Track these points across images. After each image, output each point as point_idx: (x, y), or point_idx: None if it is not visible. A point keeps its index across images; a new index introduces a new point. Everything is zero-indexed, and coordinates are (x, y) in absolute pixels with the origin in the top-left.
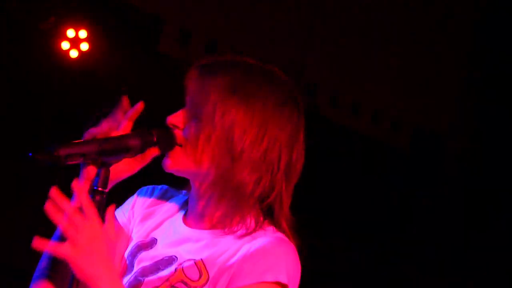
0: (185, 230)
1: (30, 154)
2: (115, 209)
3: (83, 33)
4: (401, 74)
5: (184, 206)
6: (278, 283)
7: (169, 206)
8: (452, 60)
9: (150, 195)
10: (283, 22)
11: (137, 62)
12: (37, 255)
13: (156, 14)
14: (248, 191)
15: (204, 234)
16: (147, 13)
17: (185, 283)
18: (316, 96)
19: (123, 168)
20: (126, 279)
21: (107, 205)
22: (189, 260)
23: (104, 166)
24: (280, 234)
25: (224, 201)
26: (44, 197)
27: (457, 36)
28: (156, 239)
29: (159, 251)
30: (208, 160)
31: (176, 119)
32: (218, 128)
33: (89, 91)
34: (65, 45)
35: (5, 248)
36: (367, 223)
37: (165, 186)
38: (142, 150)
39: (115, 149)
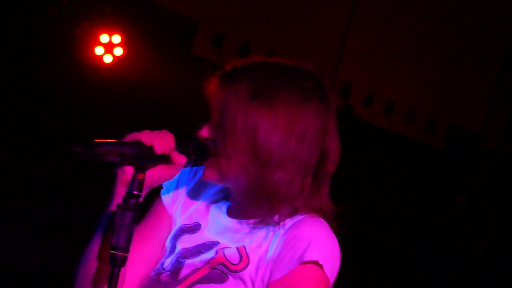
0: (227, 220)
1: (70, 146)
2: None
3: (116, 38)
4: (435, 73)
5: (224, 196)
6: (314, 263)
7: (214, 191)
8: (488, 58)
9: (193, 177)
10: (318, 22)
11: (171, 65)
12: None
13: (189, 16)
14: (281, 193)
15: (246, 225)
16: (181, 15)
17: (225, 266)
18: (349, 95)
19: (158, 175)
20: (168, 261)
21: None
22: (230, 246)
23: (140, 169)
24: (315, 218)
25: (259, 204)
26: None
27: (493, 34)
28: (200, 225)
29: (202, 236)
30: (238, 169)
31: (207, 131)
32: (242, 137)
33: (124, 95)
34: (99, 50)
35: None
36: (402, 222)
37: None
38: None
39: (152, 154)
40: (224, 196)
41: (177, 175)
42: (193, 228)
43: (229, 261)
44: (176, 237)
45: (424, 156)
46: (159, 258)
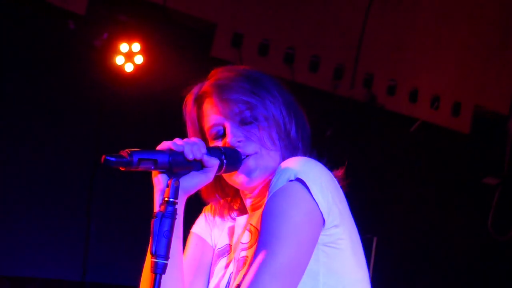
0: (241, 220)
1: (105, 156)
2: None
3: (136, 46)
4: (457, 56)
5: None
6: (292, 180)
7: (229, 215)
8: (511, 38)
9: (215, 217)
10: (335, 15)
11: (191, 69)
12: None
13: (206, 19)
14: (301, 146)
15: (260, 210)
16: (198, 19)
17: (244, 249)
18: (372, 86)
19: (194, 181)
20: (211, 285)
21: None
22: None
23: (174, 177)
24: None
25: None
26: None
27: None
28: (230, 245)
29: (231, 257)
30: (274, 146)
31: (235, 136)
32: (273, 119)
33: (148, 103)
34: (119, 60)
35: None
36: (433, 208)
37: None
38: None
39: (185, 161)
40: (242, 212)
41: (203, 212)
42: (225, 251)
43: (244, 243)
44: (214, 264)
45: (451, 141)
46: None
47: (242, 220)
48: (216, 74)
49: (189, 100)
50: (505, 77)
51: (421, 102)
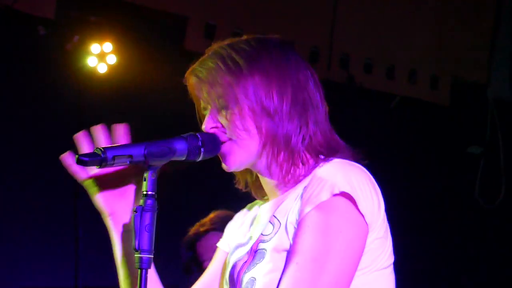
0: (263, 209)
1: (77, 156)
2: None
3: (108, 46)
4: (431, 29)
5: (265, 200)
6: (340, 194)
7: (255, 208)
8: (481, 5)
9: (241, 213)
10: (307, 1)
11: (166, 64)
12: None
13: (177, 13)
14: (295, 140)
15: (277, 199)
16: (168, 13)
17: (263, 241)
18: (349, 66)
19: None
20: (226, 273)
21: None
22: (266, 225)
23: (151, 169)
24: (333, 160)
25: (280, 158)
26: None
27: None
28: (251, 236)
29: (250, 244)
30: (255, 132)
31: (208, 123)
32: (246, 102)
33: (123, 102)
34: (92, 61)
35: None
36: (419, 181)
37: (250, 203)
38: (188, 153)
39: (161, 152)
40: (261, 204)
41: (228, 225)
42: (245, 242)
43: (264, 235)
44: (231, 253)
45: (432, 114)
46: None
47: (265, 208)
48: (207, 52)
49: (186, 77)
50: (480, 46)
51: (398, 78)
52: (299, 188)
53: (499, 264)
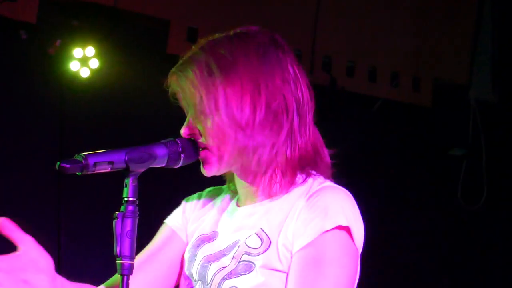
0: (239, 211)
1: (58, 163)
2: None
3: (90, 51)
4: (412, 30)
5: (234, 194)
6: (338, 227)
7: (223, 200)
8: (462, 5)
9: (198, 199)
10: (289, 5)
11: (149, 68)
12: None
13: (159, 17)
14: (263, 152)
15: (257, 207)
16: (150, 17)
17: (249, 253)
18: (331, 69)
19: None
20: (194, 270)
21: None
22: (249, 234)
23: (132, 175)
24: (327, 182)
25: (255, 170)
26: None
27: None
28: (217, 232)
29: (222, 241)
30: (227, 144)
31: (187, 128)
32: (217, 114)
33: (106, 107)
34: (74, 65)
35: None
36: (402, 183)
37: (210, 188)
38: (168, 159)
39: (142, 158)
40: (231, 198)
41: (182, 204)
42: (211, 236)
43: (251, 248)
44: (196, 246)
45: (415, 116)
46: (168, 276)
47: (243, 211)
48: (188, 54)
49: (168, 80)
50: (461, 47)
51: (380, 81)
52: (286, 204)
53: (482, 265)
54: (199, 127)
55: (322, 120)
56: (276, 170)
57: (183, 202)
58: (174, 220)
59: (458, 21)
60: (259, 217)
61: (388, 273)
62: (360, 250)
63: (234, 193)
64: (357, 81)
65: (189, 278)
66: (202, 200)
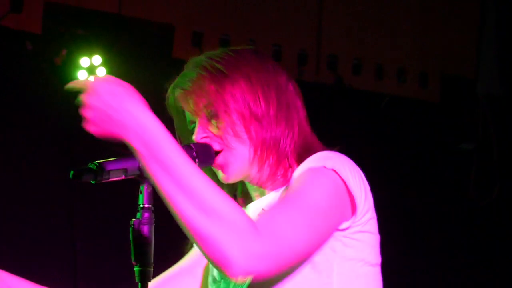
0: (252, 207)
1: (72, 172)
2: None
3: (97, 59)
4: (417, 26)
5: (247, 199)
6: (329, 168)
7: None
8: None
9: None
10: (292, 5)
11: (155, 73)
12: None
13: (164, 22)
14: (283, 143)
15: (263, 200)
16: (155, 23)
17: None
18: (337, 68)
19: None
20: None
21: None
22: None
23: (146, 181)
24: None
25: (270, 161)
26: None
27: None
28: None
29: None
30: (245, 137)
31: (199, 133)
32: (235, 107)
33: None
34: (82, 74)
35: None
36: (413, 180)
37: None
38: None
39: None
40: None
41: None
42: None
43: None
44: None
45: (423, 111)
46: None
47: (252, 206)
48: (186, 67)
49: (169, 93)
50: (467, 41)
51: (387, 77)
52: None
53: (495, 259)
54: (213, 130)
55: (330, 119)
56: (291, 162)
57: None
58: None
59: (462, 14)
60: (263, 204)
61: (396, 270)
62: (358, 201)
63: (246, 198)
64: (363, 79)
65: (214, 282)
66: None
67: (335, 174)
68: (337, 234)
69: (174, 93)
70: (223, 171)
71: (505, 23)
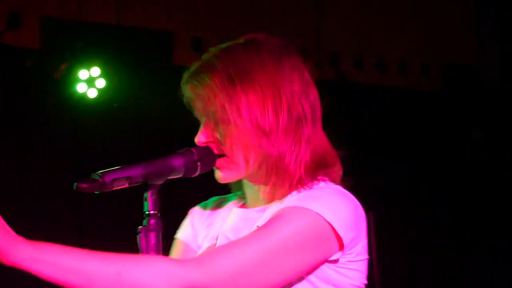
0: (242, 213)
1: (76, 183)
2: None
3: (96, 71)
4: (416, 17)
5: (239, 200)
6: (319, 214)
7: (227, 207)
8: None
9: (204, 209)
10: (291, 4)
11: (156, 81)
12: None
13: (162, 30)
14: (288, 159)
15: (261, 211)
16: (153, 31)
17: None
18: (338, 63)
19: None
20: None
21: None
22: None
23: (151, 188)
24: (335, 185)
25: (273, 176)
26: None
27: None
28: (219, 235)
29: (220, 243)
30: (251, 151)
31: (202, 136)
32: (240, 121)
33: (117, 124)
34: (81, 87)
35: None
36: (423, 171)
37: (215, 197)
38: (185, 169)
39: (159, 170)
40: (235, 204)
41: (190, 216)
42: (214, 242)
43: None
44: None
45: (427, 102)
46: None
47: (244, 213)
48: (202, 62)
49: (183, 82)
50: (467, 29)
51: (389, 70)
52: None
53: (506, 248)
54: (218, 135)
55: (335, 116)
56: (296, 177)
57: (190, 214)
58: (185, 233)
59: (460, 1)
60: (258, 218)
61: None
62: (348, 243)
63: (241, 198)
64: (365, 73)
65: None
66: (208, 210)
67: (317, 216)
68: (328, 265)
69: (185, 90)
70: (221, 172)
71: (503, 8)
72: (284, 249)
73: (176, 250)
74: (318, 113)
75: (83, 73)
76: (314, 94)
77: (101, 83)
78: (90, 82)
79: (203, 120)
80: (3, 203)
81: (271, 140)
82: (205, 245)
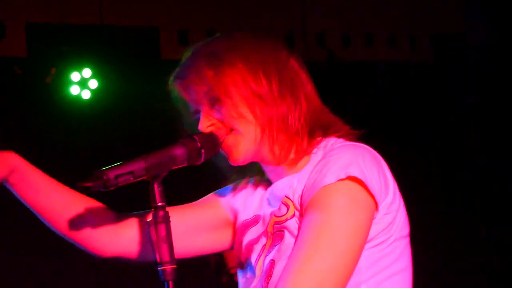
0: (272, 189)
1: (79, 182)
2: None
3: (87, 72)
4: None
5: (263, 179)
6: (344, 179)
7: (257, 185)
8: None
9: (241, 185)
10: None
11: (146, 77)
12: None
13: (148, 26)
14: (292, 118)
15: (283, 181)
16: (139, 28)
17: (278, 222)
18: (326, 42)
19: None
20: (242, 256)
21: None
22: (277, 205)
23: (155, 180)
24: (342, 141)
25: (281, 139)
26: None
27: None
28: (260, 215)
29: (261, 222)
30: (251, 117)
31: (204, 122)
32: (236, 90)
33: (113, 123)
34: (74, 89)
35: None
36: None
37: (244, 178)
38: (189, 157)
39: (162, 161)
40: (267, 184)
41: (231, 186)
42: (254, 221)
43: (278, 216)
44: (241, 232)
45: (419, 74)
46: (190, 231)
47: (272, 188)
48: (184, 57)
49: (170, 86)
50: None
51: (378, 45)
52: (306, 169)
53: (505, 221)
54: (217, 116)
55: (325, 95)
56: (302, 138)
57: (231, 186)
58: (221, 193)
59: None
60: (284, 187)
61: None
62: (379, 198)
63: (262, 178)
64: (354, 50)
65: (241, 269)
66: (243, 186)
67: (353, 185)
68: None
69: (175, 85)
70: (230, 155)
71: None
72: (346, 242)
73: (204, 200)
74: (308, 75)
75: (75, 75)
76: (299, 62)
77: (93, 83)
78: (82, 84)
79: (200, 109)
80: (0, 208)
81: (269, 103)
82: (240, 220)
